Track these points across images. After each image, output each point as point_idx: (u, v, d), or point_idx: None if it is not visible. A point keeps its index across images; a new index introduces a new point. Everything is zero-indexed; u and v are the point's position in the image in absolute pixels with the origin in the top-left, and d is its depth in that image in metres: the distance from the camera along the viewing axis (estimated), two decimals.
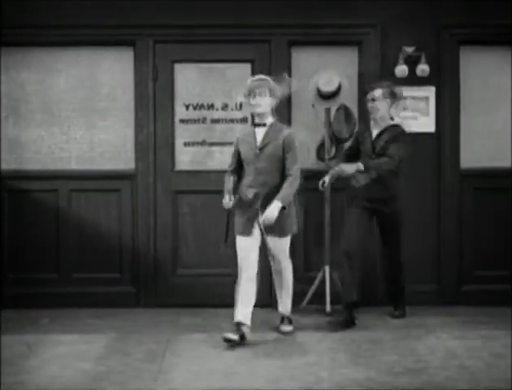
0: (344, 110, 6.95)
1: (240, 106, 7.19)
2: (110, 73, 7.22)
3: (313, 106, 6.97)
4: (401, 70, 6.99)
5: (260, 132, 5.87)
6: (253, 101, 5.79)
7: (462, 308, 7.00)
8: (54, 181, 7.14)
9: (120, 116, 7.23)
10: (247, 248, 5.82)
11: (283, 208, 5.71)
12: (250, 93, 5.80)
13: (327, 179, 6.47)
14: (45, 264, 7.14)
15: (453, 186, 7.15)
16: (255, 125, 5.92)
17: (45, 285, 7.09)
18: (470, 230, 7.19)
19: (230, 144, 7.05)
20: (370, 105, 6.43)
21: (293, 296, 6.37)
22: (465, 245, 7.18)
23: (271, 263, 6.12)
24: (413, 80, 7.03)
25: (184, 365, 5.35)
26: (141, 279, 7.18)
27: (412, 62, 7.01)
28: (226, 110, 7.23)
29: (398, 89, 6.49)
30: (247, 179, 5.89)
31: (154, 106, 7.15)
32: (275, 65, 7.10)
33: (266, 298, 7.11)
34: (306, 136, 7.07)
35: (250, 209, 5.83)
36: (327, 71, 6.85)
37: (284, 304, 6.24)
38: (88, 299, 7.10)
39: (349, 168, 6.25)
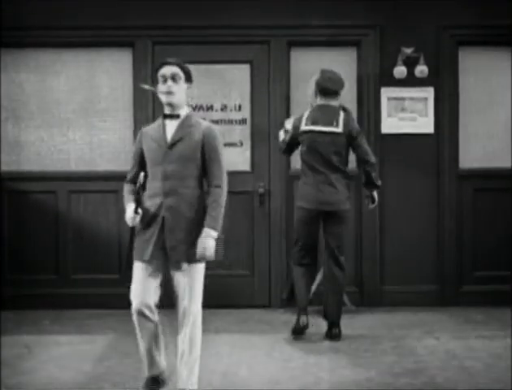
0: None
1: (240, 107, 7.20)
2: (109, 74, 7.22)
3: (311, 106, 6.96)
4: (400, 71, 6.99)
5: (171, 126, 4.50)
6: (163, 88, 4.46)
7: (461, 308, 7.00)
8: (53, 182, 7.14)
9: (119, 117, 7.23)
10: (143, 280, 4.41)
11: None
12: (161, 77, 4.48)
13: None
14: (45, 265, 7.14)
15: (452, 187, 7.16)
16: (165, 116, 4.52)
17: (44, 286, 7.09)
18: (469, 230, 7.19)
19: (229, 145, 7.08)
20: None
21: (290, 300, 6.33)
22: (464, 246, 7.19)
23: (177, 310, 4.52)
24: (411, 80, 7.04)
25: None
26: None
27: (411, 63, 7.02)
28: (225, 111, 7.23)
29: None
30: (151, 186, 4.45)
31: (152, 107, 7.14)
32: (274, 66, 7.11)
33: (264, 298, 7.12)
34: None
35: (152, 225, 4.42)
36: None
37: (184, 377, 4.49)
38: (87, 300, 7.10)
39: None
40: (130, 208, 4.44)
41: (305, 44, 7.16)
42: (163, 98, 4.47)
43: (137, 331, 4.53)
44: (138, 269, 4.43)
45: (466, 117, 7.21)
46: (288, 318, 6.73)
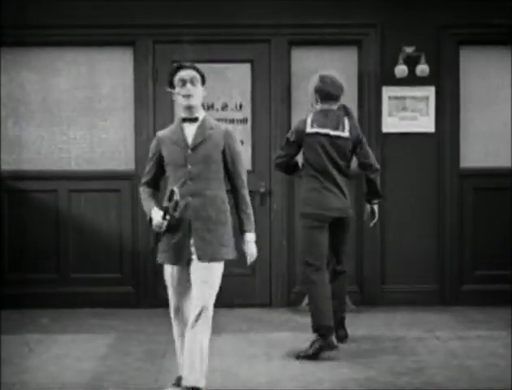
0: (344, 110, 6.93)
1: (240, 106, 7.20)
2: (109, 73, 7.22)
3: (312, 105, 6.96)
4: (401, 70, 6.99)
5: (190, 129, 4.56)
6: (183, 91, 4.51)
7: (461, 308, 7.00)
8: (53, 181, 7.14)
9: (120, 116, 7.23)
10: (178, 283, 4.63)
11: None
12: (179, 81, 4.54)
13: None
14: (45, 264, 7.14)
15: (452, 186, 7.16)
16: (184, 120, 4.59)
17: (45, 285, 7.09)
18: (470, 229, 7.19)
19: None
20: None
21: (291, 299, 6.26)
22: (465, 245, 7.18)
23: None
24: (412, 80, 7.03)
25: None
26: (141, 279, 7.17)
27: (412, 62, 7.01)
28: (226, 110, 7.23)
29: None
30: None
31: (153, 106, 7.15)
32: (274, 65, 7.11)
33: (264, 298, 7.12)
34: None
35: (180, 228, 4.50)
36: (326, 71, 6.84)
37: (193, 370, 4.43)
38: (88, 299, 7.10)
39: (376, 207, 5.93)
40: (156, 214, 4.48)
41: (305, 43, 7.16)
42: (183, 101, 4.52)
43: (174, 330, 4.70)
44: (170, 270, 4.60)
45: (467, 116, 7.21)
46: (289, 317, 6.74)
